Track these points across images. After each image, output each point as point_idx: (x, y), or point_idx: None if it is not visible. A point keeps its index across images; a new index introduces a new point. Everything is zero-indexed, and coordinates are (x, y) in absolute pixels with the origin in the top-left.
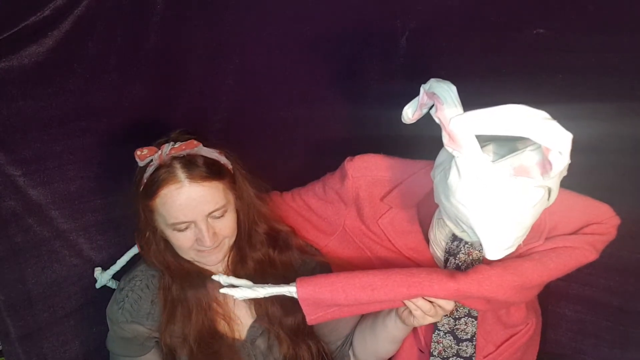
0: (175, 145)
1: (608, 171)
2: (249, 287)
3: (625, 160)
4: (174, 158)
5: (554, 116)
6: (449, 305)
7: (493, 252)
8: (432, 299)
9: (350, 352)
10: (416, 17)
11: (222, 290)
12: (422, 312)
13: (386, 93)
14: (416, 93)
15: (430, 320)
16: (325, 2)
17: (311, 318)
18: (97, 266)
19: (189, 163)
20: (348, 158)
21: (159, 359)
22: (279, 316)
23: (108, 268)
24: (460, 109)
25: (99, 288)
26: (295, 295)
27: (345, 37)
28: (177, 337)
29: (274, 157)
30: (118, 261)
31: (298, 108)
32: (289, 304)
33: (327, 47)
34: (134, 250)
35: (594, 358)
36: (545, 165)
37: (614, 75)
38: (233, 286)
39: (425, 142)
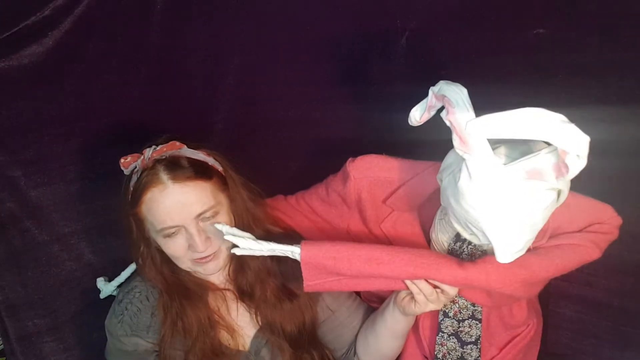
0: (157, 148)
1: (608, 171)
2: (253, 239)
3: (626, 161)
4: (157, 161)
5: None
6: (452, 290)
7: (504, 255)
8: (436, 283)
9: (355, 358)
10: (416, 17)
11: (225, 237)
12: (425, 296)
13: (386, 93)
14: (416, 93)
15: (432, 307)
16: (325, 2)
17: (309, 284)
18: (97, 270)
19: (172, 164)
20: (350, 159)
21: None
22: (279, 323)
23: (108, 272)
24: (472, 112)
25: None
26: (297, 257)
27: (345, 37)
28: (178, 353)
29: (274, 157)
30: (123, 273)
31: (298, 108)
32: (290, 312)
33: (327, 47)
34: None
35: (594, 358)
36: (561, 168)
37: (614, 75)
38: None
39: (426, 143)
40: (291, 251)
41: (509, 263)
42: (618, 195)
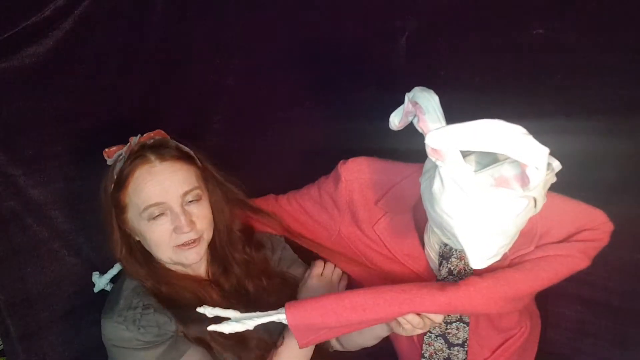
0: (144, 135)
1: (608, 169)
2: (237, 321)
3: (626, 159)
4: (143, 145)
5: (554, 115)
6: (438, 317)
7: (476, 261)
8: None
9: (335, 340)
10: (416, 17)
11: (209, 328)
12: (412, 325)
13: (386, 93)
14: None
15: (419, 331)
16: (325, 3)
17: (303, 342)
18: (97, 266)
19: (159, 146)
20: (341, 161)
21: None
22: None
23: (107, 267)
24: (441, 119)
25: (98, 292)
26: (284, 322)
27: (344, 37)
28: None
29: (273, 157)
30: (115, 265)
31: (297, 109)
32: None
33: (326, 48)
34: None
35: (593, 358)
36: (524, 179)
37: (614, 75)
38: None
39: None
40: (277, 318)
41: (493, 282)
42: (617, 195)
